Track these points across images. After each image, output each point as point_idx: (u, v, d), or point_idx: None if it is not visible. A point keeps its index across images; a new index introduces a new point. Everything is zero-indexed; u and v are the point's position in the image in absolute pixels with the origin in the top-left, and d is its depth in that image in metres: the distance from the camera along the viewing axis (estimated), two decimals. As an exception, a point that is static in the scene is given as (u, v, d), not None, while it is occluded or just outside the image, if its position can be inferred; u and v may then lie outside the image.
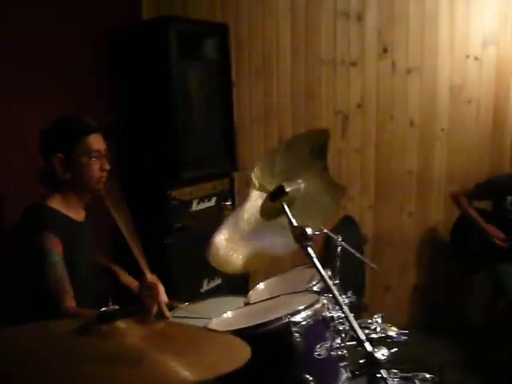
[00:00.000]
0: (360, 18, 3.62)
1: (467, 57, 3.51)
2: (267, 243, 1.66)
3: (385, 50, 3.62)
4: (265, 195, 1.57)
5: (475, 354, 3.33)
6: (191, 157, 3.27)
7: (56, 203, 2.00)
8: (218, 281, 3.43)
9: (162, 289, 1.87)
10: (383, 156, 3.73)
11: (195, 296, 2.72)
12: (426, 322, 3.71)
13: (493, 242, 3.15)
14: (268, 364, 1.52)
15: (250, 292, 2.12)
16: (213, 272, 3.33)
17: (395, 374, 1.72)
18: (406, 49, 3.59)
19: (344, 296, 1.94)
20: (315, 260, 1.43)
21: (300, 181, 1.63)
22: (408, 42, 3.58)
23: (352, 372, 1.62)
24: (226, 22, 3.66)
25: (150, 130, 3.30)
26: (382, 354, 1.31)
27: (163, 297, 1.86)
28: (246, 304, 2.00)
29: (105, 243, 2.70)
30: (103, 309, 1.08)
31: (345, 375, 1.61)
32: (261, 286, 2.19)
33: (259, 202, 1.59)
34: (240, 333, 1.32)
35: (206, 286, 3.35)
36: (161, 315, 1.82)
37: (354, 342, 1.43)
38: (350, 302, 1.92)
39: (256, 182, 1.56)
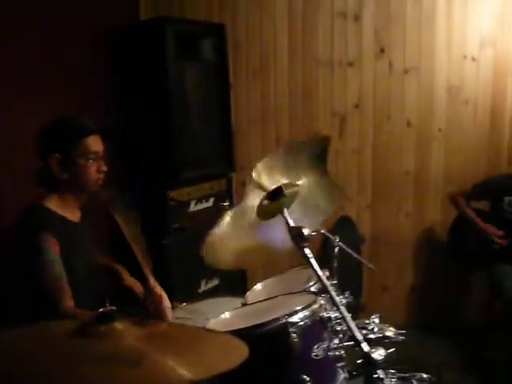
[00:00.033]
0: (357, 18, 3.62)
1: (464, 57, 3.51)
2: (268, 237, 1.66)
3: (382, 51, 3.62)
4: (262, 194, 1.57)
5: (473, 354, 3.33)
6: (189, 157, 3.27)
7: (53, 204, 2.00)
8: (216, 281, 3.42)
9: (165, 295, 1.89)
10: (380, 156, 3.73)
11: (193, 296, 2.71)
12: (423, 322, 3.71)
13: (492, 241, 3.14)
14: (265, 364, 1.53)
15: (248, 292, 2.12)
16: (211, 272, 3.33)
17: (392, 374, 1.71)
18: (403, 49, 3.59)
19: (341, 296, 1.94)
20: (312, 261, 1.43)
21: (299, 183, 1.63)
22: (405, 43, 3.58)
23: (349, 372, 1.63)
24: (223, 23, 3.65)
25: (148, 131, 3.30)
26: (379, 354, 1.31)
27: (167, 303, 1.88)
28: (244, 304, 2.00)
29: (103, 243, 2.69)
30: (101, 309, 1.08)
31: (342, 375, 1.62)
32: (258, 286, 2.19)
33: (256, 201, 1.59)
34: (238, 333, 1.31)
35: (203, 287, 3.35)
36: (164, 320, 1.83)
37: (352, 343, 1.43)
38: (348, 302, 1.92)
39: (255, 180, 1.56)
